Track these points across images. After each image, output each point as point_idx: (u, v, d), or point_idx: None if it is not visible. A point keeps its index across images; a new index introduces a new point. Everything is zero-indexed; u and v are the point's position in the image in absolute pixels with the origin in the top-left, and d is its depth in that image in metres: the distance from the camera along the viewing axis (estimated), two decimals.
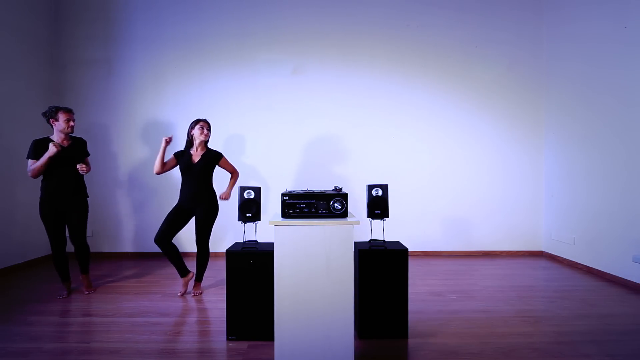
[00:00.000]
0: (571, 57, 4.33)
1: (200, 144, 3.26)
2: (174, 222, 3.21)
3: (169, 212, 3.26)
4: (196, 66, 4.76)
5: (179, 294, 3.25)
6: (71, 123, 3.14)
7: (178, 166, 3.29)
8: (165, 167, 3.21)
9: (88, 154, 3.35)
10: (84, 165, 3.10)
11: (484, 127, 4.78)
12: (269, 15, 4.75)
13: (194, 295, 3.27)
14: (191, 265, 3.72)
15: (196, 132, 3.23)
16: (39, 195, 3.16)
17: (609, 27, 3.77)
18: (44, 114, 3.13)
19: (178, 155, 3.29)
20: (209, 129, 3.28)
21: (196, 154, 3.25)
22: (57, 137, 3.15)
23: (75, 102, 4.73)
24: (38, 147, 3.06)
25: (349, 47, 4.76)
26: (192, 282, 3.46)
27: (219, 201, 3.38)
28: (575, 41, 4.25)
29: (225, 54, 4.76)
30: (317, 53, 4.77)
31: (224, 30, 4.75)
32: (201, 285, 3.41)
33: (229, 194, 3.37)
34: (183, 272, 3.30)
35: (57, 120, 3.11)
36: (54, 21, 4.70)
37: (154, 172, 3.19)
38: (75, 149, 3.22)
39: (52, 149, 2.98)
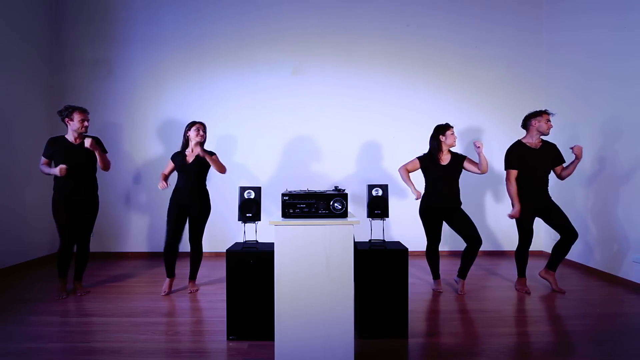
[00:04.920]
0: (570, 61, 4.33)
1: (195, 145, 3.28)
2: (178, 225, 3.27)
3: (168, 217, 3.28)
4: (196, 66, 4.76)
5: (163, 293, 3.26)
6: (85, 123, 3.17)
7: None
8: (168, 176, 3.35)
9: (105, 151, 3.35)
10: (91, 139, 3.06)
11: (484, 127, 4.79)
12: (269, 15, 4.75)
13: (190, 292, 3.31)
14: (180, 267, 3.71)
15: (192, 133, 3.27)
16: (52, 194, 3.20)
17: (608, 31, 3.77)
18: (60, 113, 3.17)
19: (174, 156, 3.34)
20: (204, 131, 3.32)
21: (191, 155, 3.29)
22: (71, 135, 3.19)
23: (75, 102, 4.66)
24: (51, 147, 3.14)
25: (349, 48, 4.76)
26: (175, 282, 3.45)
27: (212, 200, 3.42)
28: (575, 45, 4.26)
29: (226, 54, 4.76)
30: (317, 53, 4.77)
31: (225, 31, 4.75)
32: (196, 283, 3.44)
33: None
34: (171, 273, 3.34)
35: (72, 120, 3.14)
36: (54, 21, 4.70)
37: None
38: (87, 148, 3.22)
39: (58, 171, 3.02)
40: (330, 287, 2.01)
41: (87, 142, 3.05)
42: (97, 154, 3.18)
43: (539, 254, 4.71)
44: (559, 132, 4.49)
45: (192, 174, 3.24)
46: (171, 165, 3.34)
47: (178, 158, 3.30)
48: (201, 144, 3.28)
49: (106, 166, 3.30)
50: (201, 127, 3.31)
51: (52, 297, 3.18)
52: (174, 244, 3.26)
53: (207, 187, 3.43)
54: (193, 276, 3.40)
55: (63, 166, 3.03)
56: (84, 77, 4.73)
